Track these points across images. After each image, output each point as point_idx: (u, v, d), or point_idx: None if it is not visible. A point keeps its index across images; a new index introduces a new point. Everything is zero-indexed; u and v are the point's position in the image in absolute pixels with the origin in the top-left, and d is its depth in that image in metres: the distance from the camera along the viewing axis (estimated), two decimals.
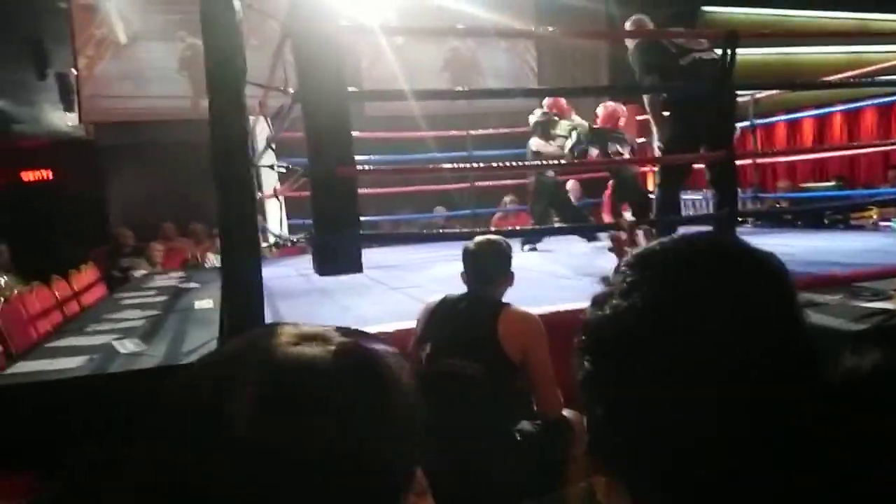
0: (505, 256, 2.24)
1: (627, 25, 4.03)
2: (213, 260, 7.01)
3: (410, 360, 2.18)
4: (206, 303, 3.55)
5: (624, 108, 5.23)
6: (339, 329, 0.55)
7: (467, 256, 2.23)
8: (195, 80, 8.18)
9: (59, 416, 1.96)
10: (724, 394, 0.46)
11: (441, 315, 2.17)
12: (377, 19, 6.09)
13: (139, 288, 4.52)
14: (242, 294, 2.30)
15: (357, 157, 2.71)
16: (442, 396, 2.00)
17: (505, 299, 2.23)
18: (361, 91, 5.33)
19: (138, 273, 6.22)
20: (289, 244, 4.22)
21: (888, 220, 4.83)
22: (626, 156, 5.06)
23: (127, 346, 2.51)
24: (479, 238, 2.26)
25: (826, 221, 5.14)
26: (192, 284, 4.47)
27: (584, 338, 0.52)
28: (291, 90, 2.68)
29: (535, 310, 2.27)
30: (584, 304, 0.55)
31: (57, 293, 4.20)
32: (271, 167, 3.42)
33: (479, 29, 7.82)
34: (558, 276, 3.61)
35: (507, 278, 2.24)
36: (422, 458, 0.53)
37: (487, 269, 2.20)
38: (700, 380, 0.46)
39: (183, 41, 8.21)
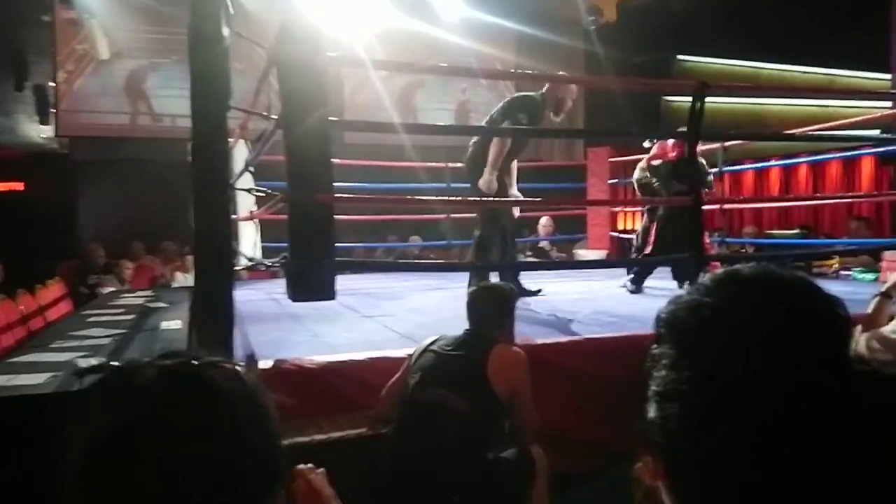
0: (503, 304, 2.32)
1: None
2: (182, 279, 6.94)
3: (396, 387, 2.21)
4: (174, 323, 3.51)
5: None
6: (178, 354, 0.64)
7: (468, 300, 2.31)
8: (134, 98, 8.26)
9: (19, 434, 1.93)
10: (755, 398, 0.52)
11: (435, 348, 2.22)
12: (363, 46, 6.21)
13: (106, 306, 4.45)
14: (214, 317, 2.31)
15: (336, 184, 2.74)
16: (422, 423, 2.03)
17: None
18: (344, 120, 5.36)
19: (105, 290, 6.12)
20: (262, 268, 4.20)
21: (848, 269, 5.00)
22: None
23: (92, 364, 2.47)
24: (482, 284, 2.36)
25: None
26: (161, 304, 4.42)
27: (658, 325, 0.59)
28: (275, 116, 2.71)
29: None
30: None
31: (22, 307, 4.12)
32: (249, 191, 3.42)
33: (463, 69, 8.00)
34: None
35: (504, 324, 2.30)
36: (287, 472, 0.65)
37: (483, 315, 2.28)
38: (738, 384, 0.52)
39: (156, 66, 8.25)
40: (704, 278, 0.59)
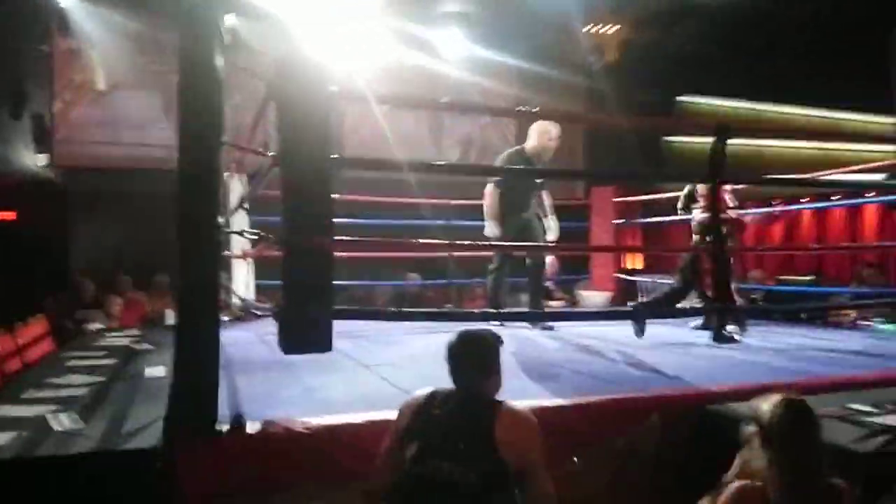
0: (490, 353, 2.06)
1: (537, 127, 4.68)
2: (172, 317, 6.70)
3: (387, 456, 1.97)
4: (158, 370, 3.29)
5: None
6: None
7: (449, 352, 2.04)
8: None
9: None
10: None
11: (430, 412, 1.96)
12: (365, 83, 6.12)
13: (89, 347, 4.23)
14: (197, 370, 2.10)
15: (335, 220, 2.56)
16: (430, 501, 1.81)
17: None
18: (345, 158, 5.27)
19: (93, 326, 5.89)
20: (254, 314, 4.00)
21: (867, 318, 4.81)
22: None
23: (63, 421, 2.25)
24: (462, 331, 2.08)
25: (803, 316, 5.12)
26: (146, 346, 4.22)
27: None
28: (271, 153, 2.54)
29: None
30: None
31: None
32: (241, 233, 3.24)
33: (465, 103, 7.95)
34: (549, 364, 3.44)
35: (494, 374, 2.06)
36: None
37: (469, 368, 2.02)
38: None
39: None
40: None
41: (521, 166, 4.66)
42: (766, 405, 1.71)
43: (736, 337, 4.04)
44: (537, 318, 4.82)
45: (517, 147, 4.85)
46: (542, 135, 4.64)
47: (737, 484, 1.69)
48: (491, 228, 4.62)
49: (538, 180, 4.91)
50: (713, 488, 1.77)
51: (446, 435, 1.90)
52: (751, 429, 1.73)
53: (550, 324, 4.67)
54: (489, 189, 4.68)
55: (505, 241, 4.59)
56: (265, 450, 2.07)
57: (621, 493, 2.31)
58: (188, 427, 2.02)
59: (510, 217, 4.64)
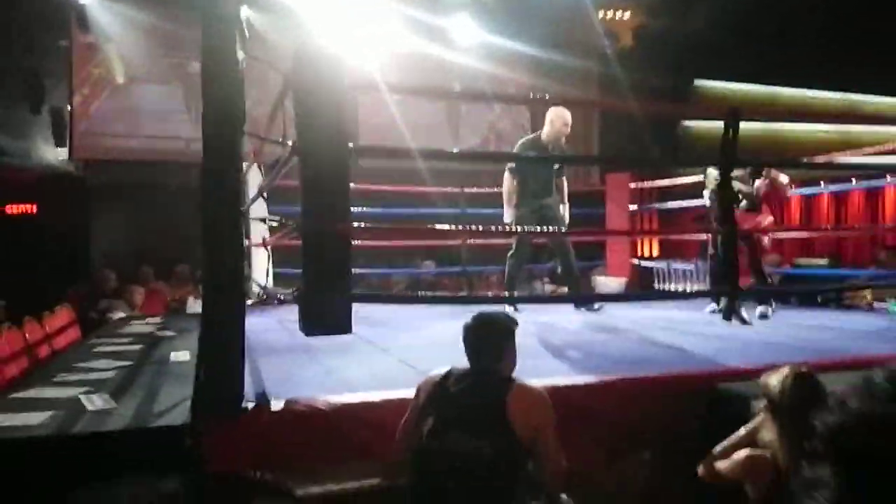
0: (504, 335, 2.13)
1: (551, 113, 4.70)
2: (195, 305, 6.84)
3: (405, 432, 2.05)
4: (183, 355, 3.40)
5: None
6: None
7: (465, 334, 2.12)
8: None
9: (14, 480, 1.80)
10: None
11: (446, 389, 2.04)
12: (379, 73, 6.17)
13: (114, 334, 4.35)
14: (223, 353, 2.18)
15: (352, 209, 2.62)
16: (445, 474, 1.88)
17: None
18: (362, 147, 5.37)
19: (116, 315, 6.03)
20: (274, 301, 4.09)
21: (882, 300, 4.81)
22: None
23: (95, 401, 2.35)
24: (478, 314, 2.15)
25: (819, 299, 5.13)
26: (170, 332, 4.32)
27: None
28: (290, 142, 2.61)
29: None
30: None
31: (28, 335, 4.03)
32: (262, 220, 3.32)
33: (477, 91, 7.96)
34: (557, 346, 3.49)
35: (509, 356, 2.13)
36: None
37: (485, 349, 2.09)
38: None
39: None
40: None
41: (537, 153, 4.71)
42: (776, 378, 1.75)
43: (754, 315, 4.09)
44: (589, 300, 4.97)
45: (533, 134, 4.92)
46: (556, 120, 4.69)
47: (746, 452, 1.74)
48: (506, 214, 4.76)
49: (556, 166, 4.95)
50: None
51: (461, 410, 1.98)
52: (761, 402, 1.78)
53: (596, 306, 4.77)
54: (506, 175, 4.80)
55: (521, 227, 4.66)
56: (287, 427, 2.16)
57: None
58: (214, 406, 2.11)
59: (528, 203, 4.71)
